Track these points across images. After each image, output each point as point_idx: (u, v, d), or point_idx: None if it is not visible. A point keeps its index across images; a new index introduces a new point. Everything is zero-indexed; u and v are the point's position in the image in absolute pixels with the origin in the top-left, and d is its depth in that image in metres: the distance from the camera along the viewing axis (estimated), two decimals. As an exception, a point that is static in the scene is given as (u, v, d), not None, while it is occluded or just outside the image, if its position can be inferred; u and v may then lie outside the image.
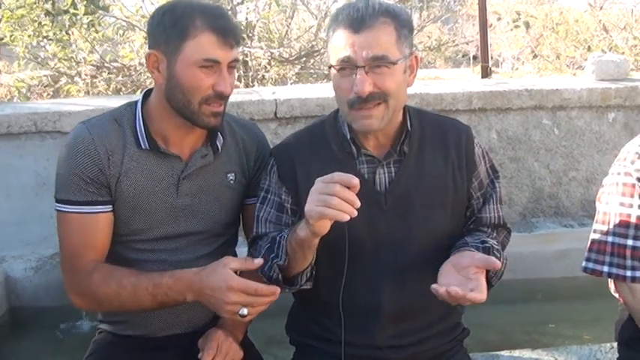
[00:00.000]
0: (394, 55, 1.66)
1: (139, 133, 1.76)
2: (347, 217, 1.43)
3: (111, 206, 1.75)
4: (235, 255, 1.97)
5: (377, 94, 1.65)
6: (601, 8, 11.43)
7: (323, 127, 1.83)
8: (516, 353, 2.09)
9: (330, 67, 1.73)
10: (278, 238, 1.70)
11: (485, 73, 3.94)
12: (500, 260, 1.69)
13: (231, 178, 1.87)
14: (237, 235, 1.97)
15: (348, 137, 1.76)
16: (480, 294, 1.51)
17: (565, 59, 9.90)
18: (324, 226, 1.51)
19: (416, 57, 1.76)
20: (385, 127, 1.72)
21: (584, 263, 1.85)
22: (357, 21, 1.64)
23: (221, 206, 1.85)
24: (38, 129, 3.39)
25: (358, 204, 1.44)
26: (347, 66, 1.66)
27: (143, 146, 1.76)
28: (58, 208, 1.77)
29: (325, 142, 1.80)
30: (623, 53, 8.50)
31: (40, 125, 3.38)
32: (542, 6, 11.59)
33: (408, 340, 1.74)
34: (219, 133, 1.83)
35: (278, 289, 1.58)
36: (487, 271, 1.71)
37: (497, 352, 2.09)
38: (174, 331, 1.84)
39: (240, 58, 5.50)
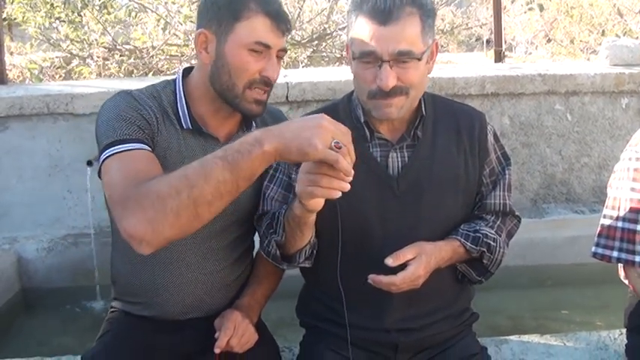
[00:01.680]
0: (419, 48, 1.64)
1: (180, 113, 1.75)
2: (338, 194, 1.41)
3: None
4: (253, 244, 1.98)
5: (400, 87, 1.65)
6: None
7: (336, 109, 1.83)
8: (525, 338, 2.09)
9: (349, 47, 1.71)
10: (277, 214, 1.71)
11: (499, 57, 3.91)
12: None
13: None
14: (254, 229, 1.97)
15: (362, 120, 1.76)
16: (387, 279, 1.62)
17: (579, 44, 9.80)
18: (317, 204, 1.50)
19: (436, 44, 1.75)
20: (403, 115, 1.73)
21: (593, 248, 1.85)
22: (383, 13, 1.61)
23: (246, 194, 1.83)
24: (50, 111, 3.40)
25: (349, 177, 1.40)
26: (371, 59, 1.64)
27: (185, 126, 1.74)
28: (103, 156, 1.57)
29: None
30: (637, 38, 8.40)
31: (53, 107, 3.40)
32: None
33: (416, 323, 1.75)
34: (252, 120, 1.83)
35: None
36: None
37: (506, 337, 2.10)
38: (192, 315, 1.84)
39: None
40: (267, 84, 1.71)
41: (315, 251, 1.75)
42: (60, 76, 5.62)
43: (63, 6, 5.59)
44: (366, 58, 1.64)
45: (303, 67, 5.60)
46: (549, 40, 9.97)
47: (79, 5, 5.54)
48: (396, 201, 1.73)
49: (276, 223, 1.70)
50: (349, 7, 1.73)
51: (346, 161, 1.35)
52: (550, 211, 3.63)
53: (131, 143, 1.58)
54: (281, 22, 1.68)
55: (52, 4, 5.62)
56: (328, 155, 1.34)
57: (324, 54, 6.02)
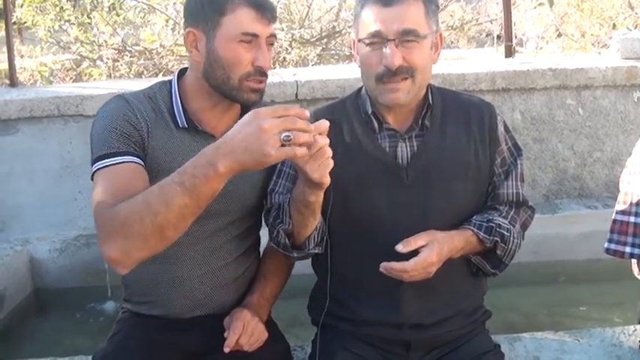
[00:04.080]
0: (423, 29, 1.68)
1: (176, 112, 1.77)
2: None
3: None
4: (260, 238, 1.97)
5: (405, 68, 1.66)
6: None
7: (344, 104, 1.84)
8: (539, 335, 2.07)
9: (356, 42, 1.75)
10: (283, 204, 1.73)
11: (509, 52, 3.88)
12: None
13: None
14: (261, 223, 1.96)
15: (370, 112, 1.77)
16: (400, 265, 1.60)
17: (590, 38, 9.74)
18: (322, 177, 1.48)
19: (440, 35, 1.77)
20: (410, 101, 1.73)
21: (606, 244, 1.83)
22: None
23: (252, 188, 1.84)
24: (61, 113, 3.42)
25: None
26: (377, 40, 1.67)
27: (181, 124, 1.76)
28: (93, 168, 1.64)
29: (346, 117, 1.80)
30: (650, 31, 8.32)
31: (63, 109, 3.42)
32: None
33: (429, 320, 1.74)
34: None
35: (305, 110, 1.39)
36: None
37: (519, 334, 2.08)
38: (200, 312, 1.84)
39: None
40: (262, 73, 1.73)
41: (325, 237, 1.74)
42: (71, 79, 5.64)
43: (72, 8, 5.62)
44: (372, 39, 1.67)
45: (312, 65, 5.60)
46: (560, 35, 9.92)
47: (89, 7, 5.57)
48: (406, 191, 1.73)
49: (282, 212, 1.71)
50: (355, 3, 1.77)
51: (302, 149, 1.35)
52: (563, 206, 3.60)
53: (118, 157, 1.63)
54: (265, 10, 1.71)
55: (61, 7, 5.65)
56: (285, 155, 1.35)
57: (334, 52, 6.02)
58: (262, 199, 1.86)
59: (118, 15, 5.61)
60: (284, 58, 5.60)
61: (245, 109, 1.79)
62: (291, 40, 5.61)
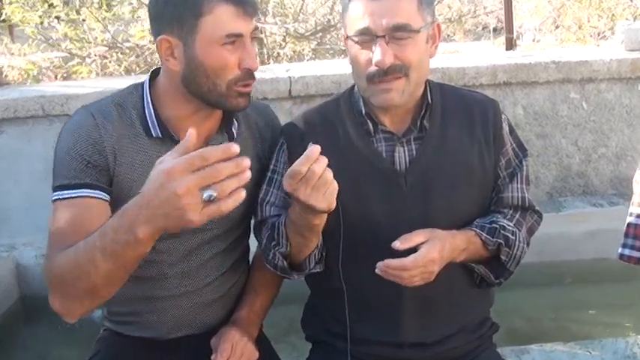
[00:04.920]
0: (416, 22, 1.53)
1: (148, 120, 1.60)
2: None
3: (108, 197, 1.56)
4: (248, 248, 1.85)
5: (398, 66, 1.53)
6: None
7: (337, 104, 1.71)
8: (547, 347, 1.96)
9: (345, 39, 1.60)
10: (277, 224, 1.58)
11: (510, 44, 3.77)
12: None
13: None
14: (250, 231, 1.84)
15: (364, 112, 1.64)
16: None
17: (588, 29, 9.66)
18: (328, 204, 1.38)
19: (438, 26, 1.63)
20: (405, 101, 1.59)
21: (619, 249, 1.72)
22: None
23: None
24: (46, 113, 3.30)
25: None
26: (366, 37, 1.54)
27: (154, 134, 1.60)
28: (52, 196, 1.55)
29: (339, 119, 1.67)
30: (650, 21, 8.24)
31: (48, 109, 3.30)
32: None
33: (431, 337, 1.62)
34: (233, 118, 1.68)
35: (233, 146, 1.12)
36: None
37: (527, 346, 1.96)
38: (186, 332, 1.71)
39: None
40: (251, 76, 1.58)
41: (324, 253, 1.62)
42: (62, 77, 5.52)
43: (62, 5, 5.49)
44: (360, 36, 1.54)
45: (307, 60, 5.48)
46: (558, 27, 9.81)
47: (77, 3, 5.43)
48: (405, 198, 1.61)
49: (278, 234, 1.57)
50: None
51: (227, 204, 1.12)
52: (567, 204, 3.49)
53: (77, 189, 1.52)
54: (246, 4, 1.55)
55: (50, 4, 5.52)
56: (210, 217, 1.13)
57: (329, 46, 5.89)
58: (247, 209, 1.71)
59: (107, 11, 5.48)
60: (278, 53, 5.47)
61: (229, 115, 1.66)
62: (285, 34, 5.48)
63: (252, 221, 1.76)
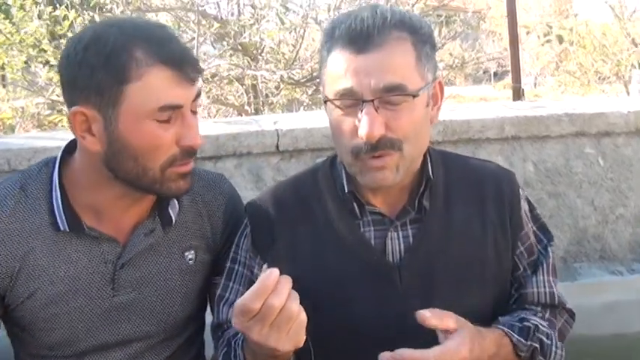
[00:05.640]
0: (414, 83, 1.22)
1: (55, 210, 1.29)
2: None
3: None
4: (201, 354, 1.52)
5: (390, 139, 1.22)
6: (628, 20, 11.08)
7: (315, 177, 1.40)
8: None
9: (325, 102, 1.30)
10: (234, 344, 1.27)
11: (518, 95, 3.48)
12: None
13: (190, 257, 1.40)
14: (204, 325, 1.51)
15: (347, 190, 1.32)
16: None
17: (593, 74, 9.53)
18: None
19: (440, 83, 1.31)
20: (401, 179, 1.28)
21: None
22: (361, 37, 1.20)
23: (177, 298, 1.38)
24: (12, 168, 2.96)
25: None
26: (349, 101, 1.22)
27: (61, 227, 1.29)
28: None
29: (317, 197, 1.36)
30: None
31: (14, 163, 2.97)
32: (567, 19, 11.22)
33: None
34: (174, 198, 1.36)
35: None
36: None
37: None
38: None
39: (249, 82, 5.12)
40: (192, 153, 1.27)
41: None
42: (45, 126, 5.29)
43: (53, 49, 5.25)
44: (343, 99, 1.23)
45: (303, 108, 5.25)
46: (558, 68, 9.67)
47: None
48: (399, 298, 1.29)
49: (235, 356, 1.25)
50: (321, 40, 1.30)
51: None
52: (583, 271, 3.16)
53: None
54: (186, 66, 1.23)
55: (41, 48, 5.29)
56: None
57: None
58: (193, 308, 1.41)
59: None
60: (271, 101, 5.22)
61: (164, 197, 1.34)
62: (279, 81, 5.23)
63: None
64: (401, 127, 1.23)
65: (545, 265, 1.41)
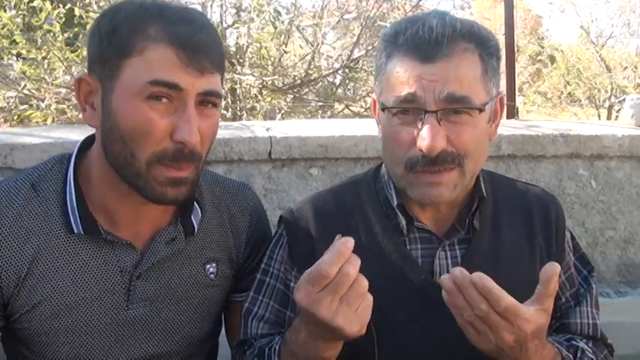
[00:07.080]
0: (479, 97, 1.16)
1: (69, 209, 1.16)
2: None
3: None
4: None
5: (451, 154, 1.16)
6: (602, 46, 11.33)
7: (357, 189, 1.32)
8: None
9: (374, 106, 1.22)
10: (267, 350, 1.17)
11: (512, 113, 3.46)
12: None
13: (211, 270, 1.30)
14: (217, 345, 1.41)
15: (395, 204, 1.24)
16: None
17: (566, 98, 9.72)
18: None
19: (501, 99, 1.25)
20: (456, 197, 1.23)
21: None
22: (429, 45, 1.12)
23: (196, 314, 1.27)
24: (-15, 165, 2.84)
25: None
26: (410, 109, 1.15)
27: (75, 230, 1.17)
28: None
29: (360, 210, 1.28)
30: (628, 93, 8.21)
31: (-11, 160, 2.84)
32: (542, 40, 11.41)
33: None
34: (195, 204, 1.25)
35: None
36: None
37: None
38: None
39: (229, 85, 5.01)
40: (187, 155, 1.12)
41: None
42: (14, 121, 5.09)
43: (26, 42, 5.07)
44: (403, 107, 1.16)
45: (282, 114, 5.16)
46: (531, 91, 9.81)
47: (39, 41, 5.02)
48: (447, 319, 1.20)
49: None
50: (378, 45, 1.22)
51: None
52: (573, 293, 3.13)
53: None
54: (199, 53, 1.10)
55: (13, 40, 5.11)
56: None
57: (307, 102, 5.58)
58: (211, 326, 1.31)
59: (72, 52, 5.07)
60: (253, 106, 5.12)
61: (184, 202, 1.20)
62: (261, 86, 5.13)
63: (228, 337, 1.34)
64: (463, 141, 1.16)
65: (589, 297, 1.38)
